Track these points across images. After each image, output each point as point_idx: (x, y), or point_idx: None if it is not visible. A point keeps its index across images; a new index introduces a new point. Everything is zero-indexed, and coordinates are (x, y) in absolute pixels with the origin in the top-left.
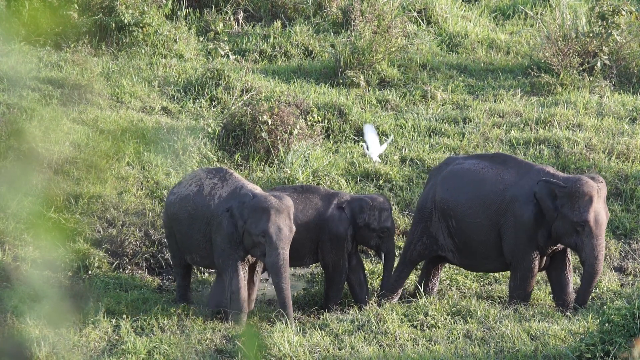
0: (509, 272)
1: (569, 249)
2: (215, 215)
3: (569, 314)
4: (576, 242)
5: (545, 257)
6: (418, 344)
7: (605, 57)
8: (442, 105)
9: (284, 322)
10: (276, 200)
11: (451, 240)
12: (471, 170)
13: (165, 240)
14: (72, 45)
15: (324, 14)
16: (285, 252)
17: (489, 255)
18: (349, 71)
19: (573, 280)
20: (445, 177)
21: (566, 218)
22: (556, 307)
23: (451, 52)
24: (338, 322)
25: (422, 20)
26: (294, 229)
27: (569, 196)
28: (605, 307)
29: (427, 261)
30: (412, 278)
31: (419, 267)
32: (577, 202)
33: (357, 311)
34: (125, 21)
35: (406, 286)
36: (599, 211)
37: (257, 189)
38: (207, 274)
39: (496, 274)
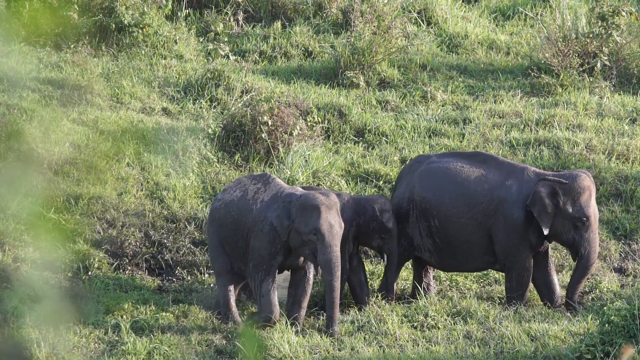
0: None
1: (549, 249)
2: (258, 220)
3: (569, 314)
4: (574, 238)
5: None
6: (418, 345)
7: (605, 58)
8: (442, 106)
9: (285, 323)
10: (325, 197)
11: (431, 239)
12: (451, 168)
13: (208, 246)
14: (72, 46)
15: (324, 15)
16: (338, 249)
17: (471, 254)
18: (349, 72)
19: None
20: (422, 176)
21: (567, 215)
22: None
23: (451, 53)
24: (338, 323)
25: (422, 20)
26: (343, 225)
27: (569, 192)
28: (605, 308)
29: (415, 263)
30: (412, 279)
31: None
32: (579, 198)
33: (358, 312)
34: (125, 22)
35: (406, 287)
36: (595, 204)
37: (299, 190)
38: (207, 275)
39: (496, 275)
